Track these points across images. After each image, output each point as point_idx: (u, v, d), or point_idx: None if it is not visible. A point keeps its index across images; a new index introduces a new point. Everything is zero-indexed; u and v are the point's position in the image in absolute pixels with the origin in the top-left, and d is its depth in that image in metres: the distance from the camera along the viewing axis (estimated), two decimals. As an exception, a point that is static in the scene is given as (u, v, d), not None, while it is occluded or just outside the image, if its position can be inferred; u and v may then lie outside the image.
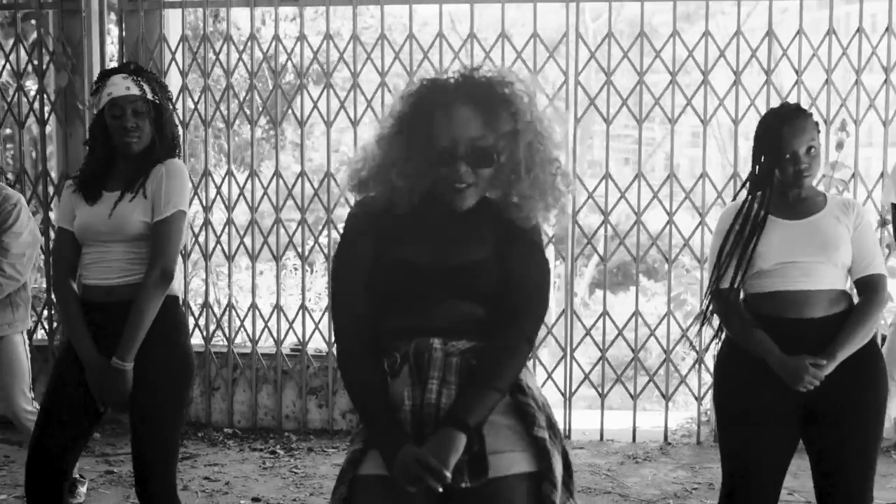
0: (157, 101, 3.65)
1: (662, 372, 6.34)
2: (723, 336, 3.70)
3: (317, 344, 6.76)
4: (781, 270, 3.49)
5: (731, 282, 3.54)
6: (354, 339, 2.68)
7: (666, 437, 6.30)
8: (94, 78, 5.73)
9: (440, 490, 2.42)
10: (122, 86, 3.64)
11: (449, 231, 2.73)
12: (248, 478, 5.59)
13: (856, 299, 3.54)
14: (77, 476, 5.13)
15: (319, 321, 6.62)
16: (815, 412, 3.46)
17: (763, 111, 4.51)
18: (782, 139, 3.49)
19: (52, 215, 6.51)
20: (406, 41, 6.36)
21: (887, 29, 6.06)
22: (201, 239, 6.62)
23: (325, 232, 6.66)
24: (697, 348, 6.19)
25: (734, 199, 3.83)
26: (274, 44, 6.48)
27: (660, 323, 6.33)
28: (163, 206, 3.65)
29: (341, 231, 2.86)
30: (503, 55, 6.29)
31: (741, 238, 3.54)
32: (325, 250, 6.69)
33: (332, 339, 6.36)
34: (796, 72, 6.12)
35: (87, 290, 3.80)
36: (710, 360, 6.21)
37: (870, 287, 3.53)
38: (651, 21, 6.76)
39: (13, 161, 7.61)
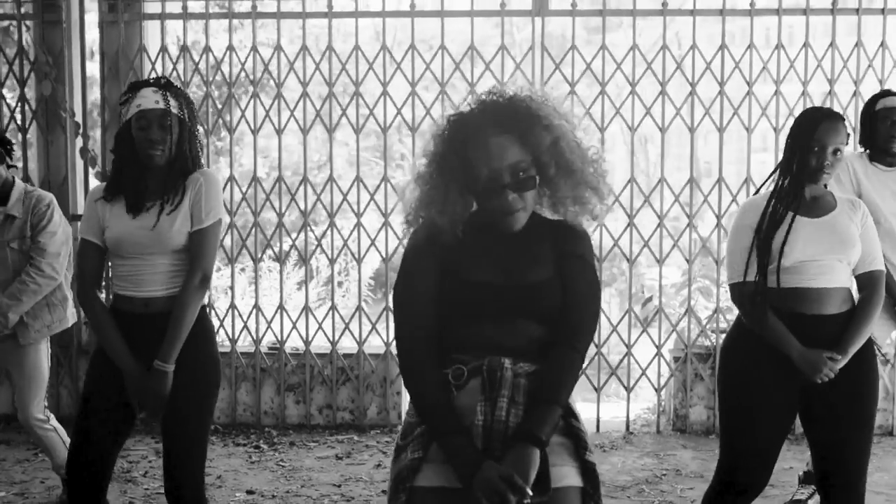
0: (182, 117, 3.67)
1: (624, 365, 6.64)
2: (729, 326, 3.94)
3: (294, 343, 6.91)
4: (800, 268, 3.66)
5: (759, 275, 3.70)
6: (418, 353, 2.72)
7: (628, 427, 6.60)
8: (74, 86, 5.90)
9: (526, 502, 2.47)
10: (151, 99, 3.64)
11: (511, 253, 2.79)
12: (237, 471, 5.74)
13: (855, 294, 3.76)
14: None
15: (297, 321, 6.79)
16: (814, 395, 3.68)
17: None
18: (816, 132, 3.69)
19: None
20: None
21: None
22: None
23: (301, 235, 6.85)
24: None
25: (756, 193, 4.02)
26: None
27: (621, 319, 6.65)
28: (203, 216, 3.70)
29: (408, 243, 2.90)
30: (472, 67, 6.55)
31: (769, 234, 3.70)
32: (301, 250, 6.90)
33: (311, 337, 6.64)
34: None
35: (121, 301, 3.80)
36: (665, 353, 6.57)
37: (872, 283, 3.75)
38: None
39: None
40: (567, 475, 2.64)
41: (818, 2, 6.53)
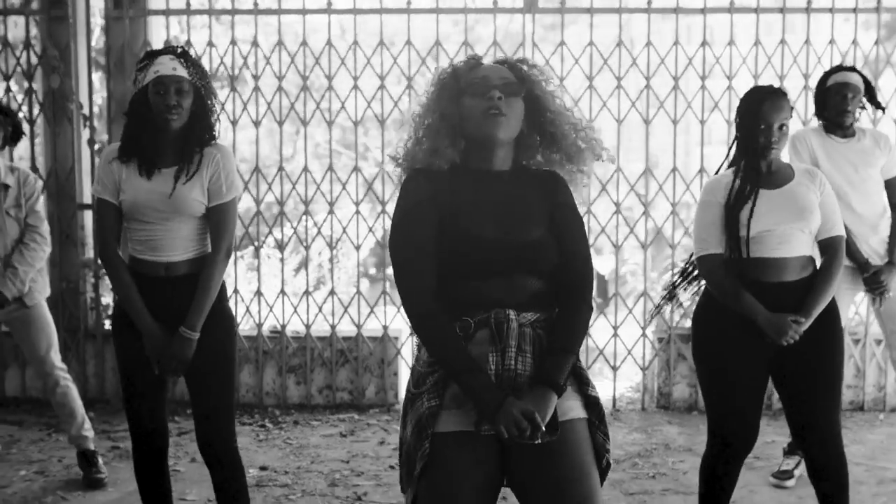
0: (198, 86, 3.78)
1: (611, 345, 6.95)
2: (698, 297, 4.22)
3: (294, 326, 7.13)
4: (762, 237, 3.89)
5: (730, 248, 3.94)
6: (427, 300, 2.81)
7: (614, 405, 6.91)
8: (80, 79, 6.07)
9: (538, 441, 2.65)
10: (168, 66, 3.73)
11: (507, 209, 2.90)
12: (247, 449, 5.95)
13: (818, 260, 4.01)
14: (92, 449, 5.47)
15: (297, 305, 7.03)
16: (783, 355, 3.94)
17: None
18: (761, 111, 3.91)
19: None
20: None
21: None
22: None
23: (303, 221, 7.12)
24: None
25: (717, 172, 4.24)
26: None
27: (608, 301, 6.94)
28: (224, 191, 3.86)
29: (399, 199, 2.96)
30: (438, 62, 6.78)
31: (736, 208, 3.93)
32: (302, 238, 7.17)
33: (311, 321, 6.87)
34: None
35: (139, 264, 3.92)
36: (649, 334, 6.88)
37: (832, 248, 3.99)
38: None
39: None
40: (572, 408, 2.82)
41: (768, 1, 6.89)
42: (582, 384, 2.88)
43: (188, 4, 6.82)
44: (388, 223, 6.74)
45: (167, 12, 6.88)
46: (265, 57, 6.83)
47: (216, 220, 3.88)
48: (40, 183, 5.26)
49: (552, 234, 2.91)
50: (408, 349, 7.05)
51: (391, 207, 6.65)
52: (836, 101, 5.17)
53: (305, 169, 6.89)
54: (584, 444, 2.83)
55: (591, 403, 2.86)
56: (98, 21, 7.32)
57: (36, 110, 6.94)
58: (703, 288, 4.21)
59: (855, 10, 6.81)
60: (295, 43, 6.90)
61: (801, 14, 6.82)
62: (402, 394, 6.88)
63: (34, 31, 6.96)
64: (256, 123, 6.90)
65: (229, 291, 4.66)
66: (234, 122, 6.85)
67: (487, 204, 2.88)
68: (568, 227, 2.95)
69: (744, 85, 6.61)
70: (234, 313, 4.09)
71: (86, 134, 6.97)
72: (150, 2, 6.92)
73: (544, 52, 6.76)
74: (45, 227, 5.22)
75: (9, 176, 5.12)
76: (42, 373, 5.35)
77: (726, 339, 4.01)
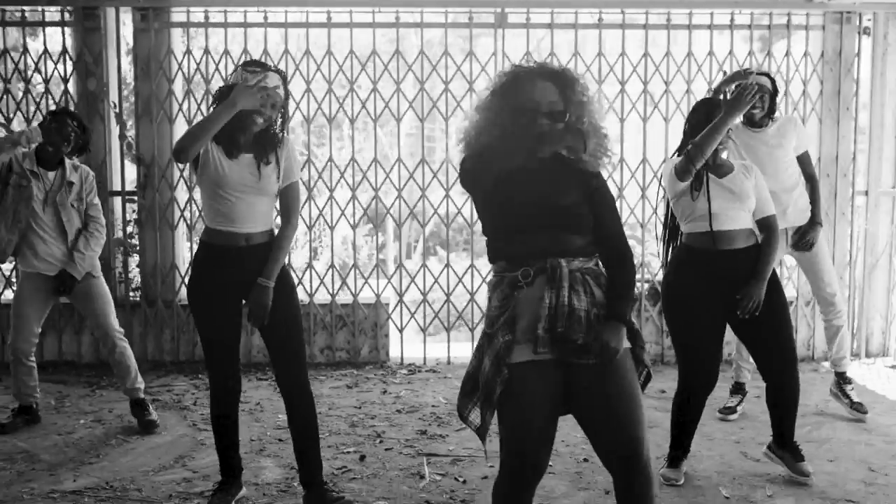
0: (285, 101, 4.49)
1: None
2: (671, 255, 5.16)
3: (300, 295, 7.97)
4: (715, 216, 4.83)
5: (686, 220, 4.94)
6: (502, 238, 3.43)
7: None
8: (110, 82, 6.87)
9: (608, 363, 3.25)
10: (274, 81, 4.40)
11: (544, 182, 3.39)
12: (270, 399, 6.81)
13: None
14: (143, 398, 6.20)
15: (302, 276, 7.94)
16: (736, 306, 4.85)
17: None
18: (711, 118, 4.81)
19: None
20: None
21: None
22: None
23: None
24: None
25: (672, 156, 5.18)
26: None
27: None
28: (294, 174, 4.56)
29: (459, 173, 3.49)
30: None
31: (695, 189, 4.85)
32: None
33: (314, 290, 7.78)
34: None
35: (219, 235, 4.48)
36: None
37: (768, 226, 4.96)
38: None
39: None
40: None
41: (655, 19, 7.96)
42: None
43: (206, 18, 7.69)
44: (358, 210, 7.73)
45: (187, 25, 7.73)
46: (274, 63, 7.67)
47: (288, 197, 4.58)
48: (94, 178, 6.08)
49: (586, 203, 3.42)
50: (397, 315, 8.05)
51: (364, 196, 7.64)
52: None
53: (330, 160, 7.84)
54: (629, 368, 3.39)
55: (633, 331, 3.48)
56: (127, 31, 8.08)
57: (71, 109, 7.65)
58: (672, 256, 5.15)
59: (731, 27, 7.96)
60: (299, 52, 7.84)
61: (683, 30, 7.95)
62: (393, 352, 7.94)
63: (69, 40, 7.73)
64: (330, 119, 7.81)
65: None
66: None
67: (529, 178, 3.39)
68: (604, 205, 3.47)
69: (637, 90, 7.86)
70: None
71: (116, 130, 7.79)
72: (172, 16, 7.75)
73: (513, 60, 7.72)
74: (102, 217, 6.06)
75: (73, 174, 5.91)
76: (104, 336, 6.08)
77: (692, 295, 4.93)
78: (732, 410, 6.37)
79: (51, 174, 5.89)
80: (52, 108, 7.62)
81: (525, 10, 7.81)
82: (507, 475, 3.50)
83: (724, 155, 4.97)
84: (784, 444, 5.13)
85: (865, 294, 8.16)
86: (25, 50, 7.77)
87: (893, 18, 7.98)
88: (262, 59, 7.61)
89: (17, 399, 6.19)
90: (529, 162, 3.39)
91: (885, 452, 5.62)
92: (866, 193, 8.15)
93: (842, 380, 6.45)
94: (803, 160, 6.22)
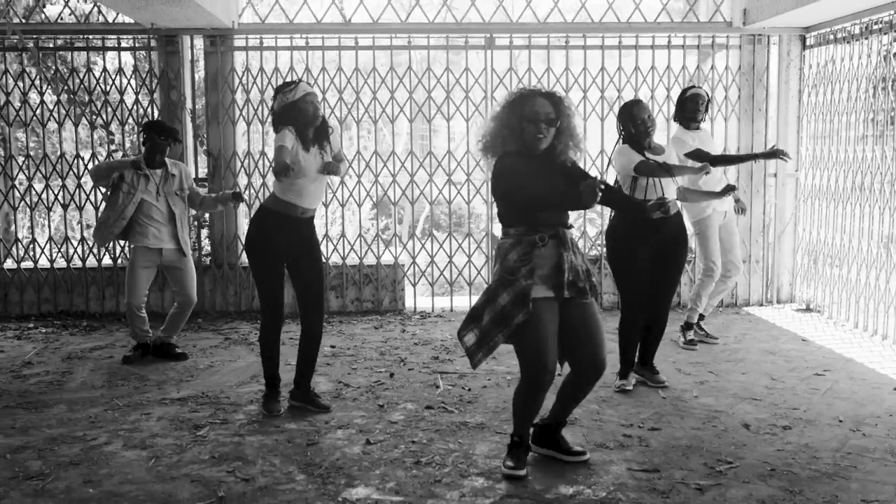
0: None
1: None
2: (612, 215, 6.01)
3: (334, 259, 9.65)
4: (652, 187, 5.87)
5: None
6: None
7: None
8: (186, 94, 8.64)
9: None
10: (318, 97, 5.41)
11: (549, 174, 4.14)
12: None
13: None
14: (173, 342, 7.40)
15: (337, 244, 9.54)
16: (658, 253, 5.85)
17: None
18: (634, 113, 5.79)
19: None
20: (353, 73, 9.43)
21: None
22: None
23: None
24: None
25: (615, 147, 6.10)
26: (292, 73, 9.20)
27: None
28: (344, 162, 5.60)
29: (500, 166, 4.19)
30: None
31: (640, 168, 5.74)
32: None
33: (346, 254, 9.41)
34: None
35: (286, 206, 5.30)
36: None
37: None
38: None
39: (130, 153, 10.03)
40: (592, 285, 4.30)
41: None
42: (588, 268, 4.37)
43: (261, 43, 9.34)
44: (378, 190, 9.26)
45: (246, 49, 9.34)
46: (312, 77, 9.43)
47: (340, 154, 5.58)
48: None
49: (572, 185, 4.13)
50: (411, 273, 9.64)
51: (386, 182, 9.33)
52: (692, 107, 7.16)
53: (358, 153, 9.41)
54: (598, 311, 4.33)
55: (594, 287, 4.33)
56: (199, 53, 9.71)
57: (156, 115, 9.34)
58: (612, 214, 6.02)
59: (668, 47, 9.49)
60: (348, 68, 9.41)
61: (632, 50, 9.48)
62: (408, 303, 9.70)
63: (155, 60, 9.33)
64: (341, 121, 9.28)
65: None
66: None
67: (537, 171, 4.19)
68: (577, 177, 4.25)
69: (596, 96, 9.44)
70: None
71: (191, 131, 9.45)
72: (234, 41, 9.34)
73: (498, 73, 9.46)
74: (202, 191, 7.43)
75: (173, 168, 7.29)
76: (185, 301, 7.28)
77: (628, 243, 5.80)
78: (694, 343, 7.63)
79: (157, 171, 7.18)
80: (142, 114, 9.25)
81: (508, 35, 9.44)
82: (529, 382, 4.21)
83: (654, 139, 5.99)
84: (645, 364, 6.30)
85: (776, 254, 9.91)
86: (121, 69, 9.28)
87: (794, 40, 9.65)
88: (303, 76, 9.27)
89: (134, 338, 7.36)
90: (532, 157, 4.21)
91: (784, 367, 6.91)
92: (775, 175, 9.82)
93: (696, 324, 7.77)
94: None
